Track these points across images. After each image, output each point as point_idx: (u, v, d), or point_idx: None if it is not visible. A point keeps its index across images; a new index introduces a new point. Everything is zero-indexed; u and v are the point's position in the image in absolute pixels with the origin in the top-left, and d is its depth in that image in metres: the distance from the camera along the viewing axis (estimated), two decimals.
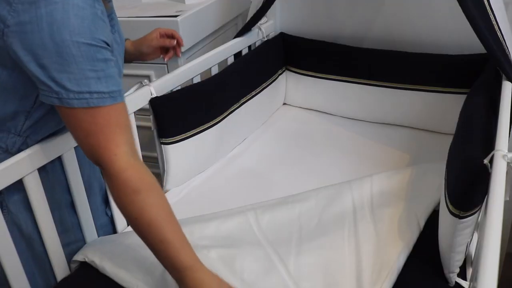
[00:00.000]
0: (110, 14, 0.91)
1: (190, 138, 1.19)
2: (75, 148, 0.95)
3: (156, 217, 0.76)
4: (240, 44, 1.49)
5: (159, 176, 1.24)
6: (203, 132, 1.22)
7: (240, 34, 1.50)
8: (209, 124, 1.24)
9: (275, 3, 1.47)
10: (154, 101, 1.12)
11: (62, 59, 0.72)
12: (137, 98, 1.10)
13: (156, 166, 1.27)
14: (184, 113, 1.17)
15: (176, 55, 1.18)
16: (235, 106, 1.37)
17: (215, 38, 1.67)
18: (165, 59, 1.17)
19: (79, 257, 0.96)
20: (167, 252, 0.76)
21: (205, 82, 1.28)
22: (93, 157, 0.77)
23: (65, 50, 0.71)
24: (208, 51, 1.37)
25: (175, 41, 1.15)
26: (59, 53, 0.71)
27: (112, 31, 0.88)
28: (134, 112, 1.10)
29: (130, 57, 1.13)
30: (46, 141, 0.89)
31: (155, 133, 1.17)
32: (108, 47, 0.77)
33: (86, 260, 0.94)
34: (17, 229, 0.90)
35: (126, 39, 1.10)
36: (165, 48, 1.16)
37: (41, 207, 0.90)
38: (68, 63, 0.72)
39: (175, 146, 1.16)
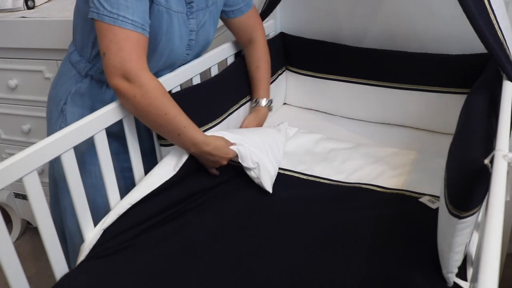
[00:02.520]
0: (190, 2, 1.14)
1: None
2: (74, 148, 0.96)
3: (177, 111, 1.04)
4: (240, 44, 1.49)
5: None
6: None
7: None
8: (207, 126, 1.24)
9: None
10: None
11: None
12: None
13: None
14: None
15: None
16: (235, 107, 1.37)
17: (215, 38, 1.67)
18: None
19: None
20: (189, 134, 1.07)
21: (203, 84, 1.28)
22: (114, 67, 0.97)
23: None
24: (208, 51, 1.37)
25: None
26: None
27: (188, 16, 1.14)
28: None
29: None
30: (45, 141, 0.89)
31: (154, 135, 1.17)
32: None
33: None
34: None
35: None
36: None
37: (41, 207, 0.90)
38: None
39: (174, 148, 1.16)
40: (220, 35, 1.71)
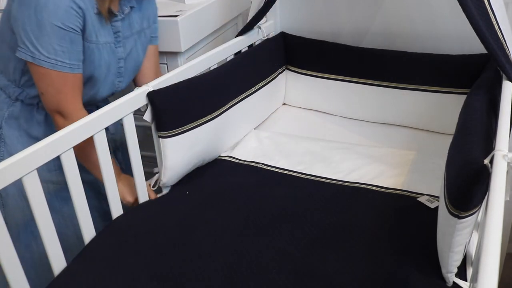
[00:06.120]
0: (116, 32, 1.15)
1: (188, 132, 1.19)
2: (74, 148, 0.96)
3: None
4: (240, 43, 1.49)
5: (151, 175, 1.25)
6: (201, 126, 1.22)
7: (240, 34, 1.50)
8: (207, 118, 1.25)
9: (276, 2, 1.47)
10: (152, 94, 1.12)
11: (40, 31, 0.99)
12: (135, 98, 1.10)
13: (150, 165, 1.27)
14: (183, 106, 1.18)
15: None
16: (234, 101, 1.37)
17: (215, 38, 1.67)
18: None
19: None
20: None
21: (204, 76, 1.28)
22: (52, 106, 1.06)
23: (43, 26, 0.98)
24: (208, 51, 1.37)
25: None
26: (38, 26, 0.98)
27: (116, 45, 1.16)
28: (133, 112, 1.10)
29: None
30: (45, 141, 0.89)
31: (153, 127, 1.18)
32: (77, 32, 1.03)
33: None
34: None
35: None
36: None
37: (41, 207, 0.90)
38: (43, 35, 0.99)
39: (173, 140, 1.16)
40: (220, 36, 1.71)
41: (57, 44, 1.01)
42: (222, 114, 1.31)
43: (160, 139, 1.16)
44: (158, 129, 1.15)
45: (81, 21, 1.04)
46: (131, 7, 1.18)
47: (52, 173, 1.14)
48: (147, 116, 1.14)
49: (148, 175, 1.22)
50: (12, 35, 1.05)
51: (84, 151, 1.08)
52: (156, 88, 1.14)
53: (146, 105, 1.13)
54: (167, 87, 1.16)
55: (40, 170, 1.07)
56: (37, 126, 1.15)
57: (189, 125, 1.19)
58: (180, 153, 1.19)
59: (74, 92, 1.07)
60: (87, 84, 1.13)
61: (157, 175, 1.23)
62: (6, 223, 1.16)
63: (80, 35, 1.05)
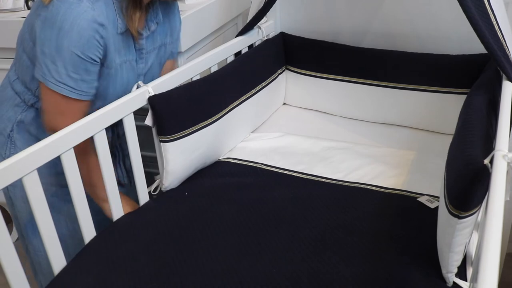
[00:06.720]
0: (140, 49, 1.14)
1: (189, 136, 1.19)
2: (74, 148, 0.96)
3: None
4: (240, 44, 1.49)
5: (152, 175, 1.25)
6: (202, 130, 1.22)
7: (240, 34, 1.50)
8: (208, 122, 1.24)
9: (276, 3, 1.47)
10: (153, 99, 1.12)
11: (57, 55, 0.98)
12: (135, 98, 1.10)
13: (151, 166, 1.28)
14: (183, 110, 1.18)
15: None
16: (235, 104, 1.37)
17: (215, 38, 1.68)
18: None
19: None
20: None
21: (204, 79, 1.28)
22: (50, 125, 1.06)
23: (61, 52, 0.97)
24: (208, 51, 1.37)
25: None
26: (57, 51, 0.97)
27: (137, 62, 1.16)
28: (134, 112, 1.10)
29: None
30: (45, 141, 0.89)
31: (154, 131, 1.18)
32: (94, 62, 1.02)
33: None
34: None
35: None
36: None
37: (41, 206, 0.90)
38: (58, 60, 0.99)
39: (174, 144, 1.16)
40: (220, 35, 1.71)
41: (71, 71, 1.00)
42: (223, 117, 1.31)
43: (161, 143, 1.16)
44: (159, 133, 1.15)
45: (101, 52, 1.02)
46: (157, 23, 1.16)
47: (60, 176, 1.13)
48: (149, 121, 1.14)
49: (149, 175, 1.22)
50: (33, 47, 1.04)
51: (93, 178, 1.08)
52: (156, 89, 1.14)
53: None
54: (167, 91, 1.16)
55: (48, 173, 1.09)
56: (49, 133, 1.14)
57: (190, 129, 1.19)
58: (182, 156, 1.19)
59: (75, 116, 1.03)
60: (106, 100, 1.12)
61: (157, 180, 1.23)
62: (18, 223, 1.19)
63: (97, 65, 1.04)
